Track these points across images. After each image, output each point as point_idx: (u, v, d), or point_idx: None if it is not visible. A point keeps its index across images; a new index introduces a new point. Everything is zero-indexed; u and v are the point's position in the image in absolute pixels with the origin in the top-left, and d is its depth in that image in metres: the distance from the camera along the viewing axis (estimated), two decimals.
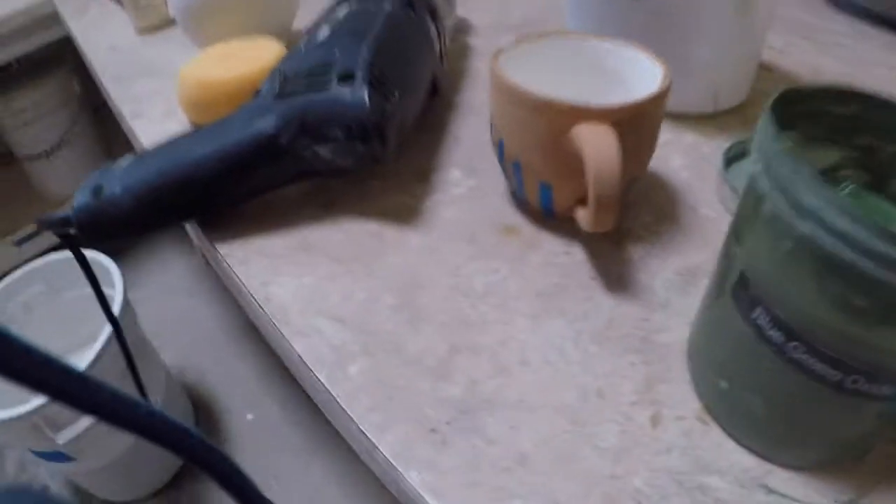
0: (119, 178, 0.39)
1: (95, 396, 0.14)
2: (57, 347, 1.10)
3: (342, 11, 0.49)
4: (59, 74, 1.45)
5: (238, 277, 0.39)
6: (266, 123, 0.40)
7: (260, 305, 0.37)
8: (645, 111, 0.36)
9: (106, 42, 0.75)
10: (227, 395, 1.31)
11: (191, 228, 0.44)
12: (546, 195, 0.39)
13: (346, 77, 0.40)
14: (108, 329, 0.87)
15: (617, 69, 0.42)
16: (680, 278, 0.38)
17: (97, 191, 0.39)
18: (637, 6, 0.48)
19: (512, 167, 0.40)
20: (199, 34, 0.64)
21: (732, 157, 0.46)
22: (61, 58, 1.41)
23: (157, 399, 1.05)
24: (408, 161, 0.48)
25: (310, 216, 0.43)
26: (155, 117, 0.59)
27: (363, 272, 0.39)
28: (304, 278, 0.39)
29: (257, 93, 0.43)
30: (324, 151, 0.40)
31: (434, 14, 0.52)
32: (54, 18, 0.92)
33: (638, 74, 0.41)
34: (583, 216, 0.36)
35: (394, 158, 0.43)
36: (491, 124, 0.41)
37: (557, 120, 0.35)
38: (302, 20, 0.73)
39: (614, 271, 0.38)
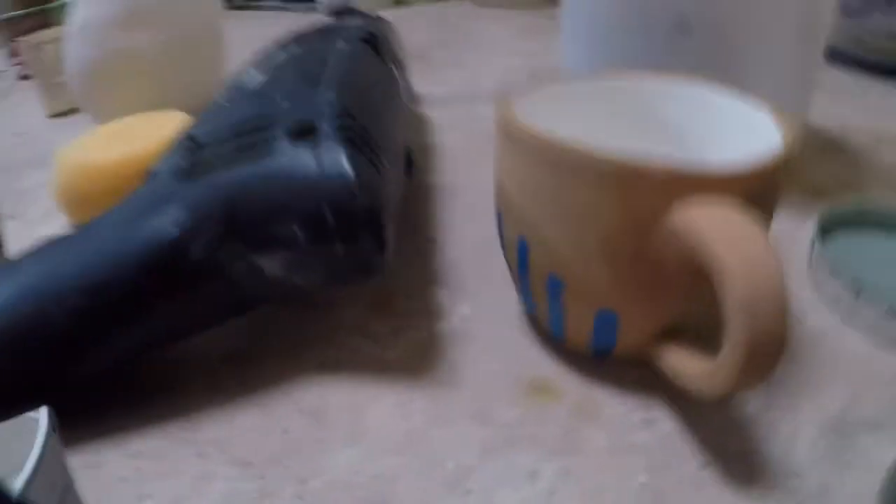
0: None
1: None
2: None
3: (280, 57, 0.33)
4: None
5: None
6: (163, 222, 0.22)
7: None
8: (776, 174, 0.19)
9: (12, 127, 0.60)
10: None
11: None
12: (606, 329, 0.22)
13: (304, 131, 0.23)
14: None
15: (672, 118, 0.26)
16: (826, 441, 0.21)
17: None
18: (681, 42, 0.32)
19: (545, 287, 0.22)
20: (97, 106, 0.48)
21: (827, 229, 0.31)
22: None
23: None
24: None
25: (204, 378, 0.25)
26: (34, 218, 0.42)
27: (291, 486, 0.21)
28: (190, 501, 0.20)
29: (152, 175, 0.26)
30: (271, 264, 0.23)
31: (398, 64, 0.36)
32: None
33: (707, 125, 0.24)
34: (705, 373, 0.19)
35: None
36: (500, 215, 0.24)
37: (650, 198, 0.18)
38: None
39: (730, 447, 0.21)
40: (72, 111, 0.62)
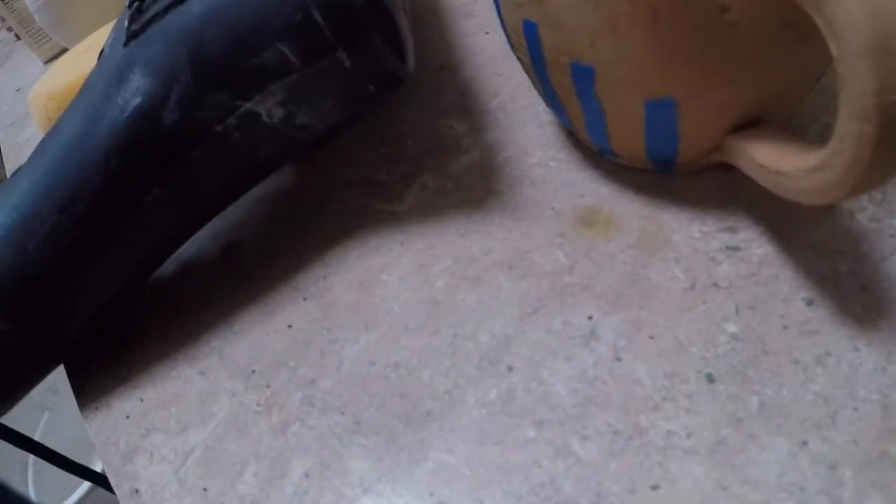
0: None
1: None
2: None
3: None
4: None
5: (92, 440, 0.18)
6: (122, 95, 0.18)
7: None
8: None
9: (14, 84, 0.58)
10: None
11: None
12: (662, 125, 0.15)
13: None
14: None
15: None
16: None
17: None
18: None
19: (571, 82, 0.16)
20: (64, 30, 0.43)
21: None
22: None
23: None
24: (357, 124, 0.25)
25: (201, 280, 0.21)
26: None
27: (300, 390, 0.17)
28: (194, 432, 0.17)
29: (101, 56, 0.21)
30: (265, 106, 0.18)
31: None
32: None
33: None
34: (808, 167, 0.12)
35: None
36: (497, 2, 0.17)
37: None
38: None
39: (844, 272, 0.15)
40: (64, 51, 0.58)
